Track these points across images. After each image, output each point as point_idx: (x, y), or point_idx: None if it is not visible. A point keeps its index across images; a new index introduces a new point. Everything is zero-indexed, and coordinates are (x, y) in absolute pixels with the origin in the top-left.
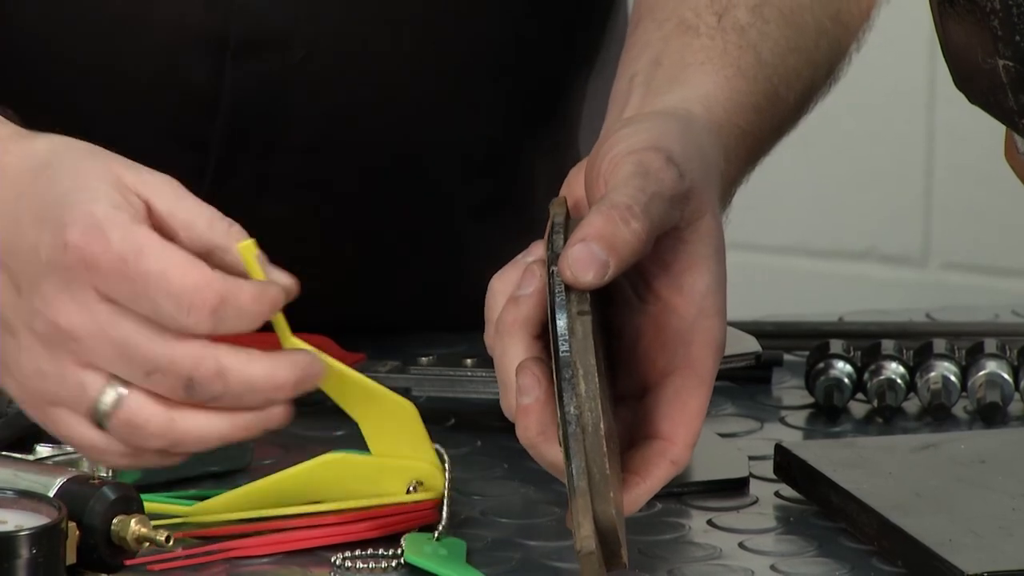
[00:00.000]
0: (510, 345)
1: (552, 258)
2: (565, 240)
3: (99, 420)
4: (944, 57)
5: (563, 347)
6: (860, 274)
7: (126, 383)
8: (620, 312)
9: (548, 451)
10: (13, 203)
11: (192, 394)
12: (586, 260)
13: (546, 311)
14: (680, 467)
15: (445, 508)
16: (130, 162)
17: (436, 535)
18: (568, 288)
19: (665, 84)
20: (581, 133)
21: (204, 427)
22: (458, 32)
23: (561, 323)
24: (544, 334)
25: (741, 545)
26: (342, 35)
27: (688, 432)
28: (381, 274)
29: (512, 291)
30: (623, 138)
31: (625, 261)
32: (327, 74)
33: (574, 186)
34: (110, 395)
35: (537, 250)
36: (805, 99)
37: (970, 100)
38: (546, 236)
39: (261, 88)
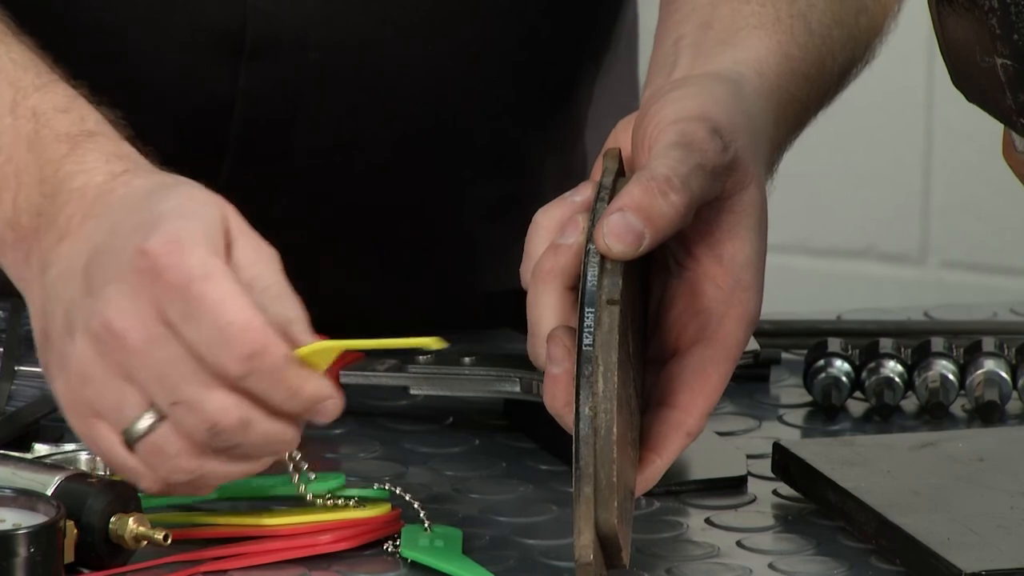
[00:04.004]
0: (543, 293)
1: (592, 231)
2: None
3: (130, 441)
4: (942, 56)
5: (586, 340)
6: (858, 272)
7: (162, 412)
8: (659, 273)
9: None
10: (124, 215)
11: (214, 439)
12: (621, 231)
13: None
14: (694, 438)
15: (421, 513)
16: (242, 219)
17: (427, 525)
18: (602, 271)
19: (716, 46)
20: (587, 132)
21: (229, 470)
22: (469, 32)
23: (588, 313)
24: (578, 286)
25: (739, 543)
26: (356, 36)
27: (706, 404)
28: (389, 273)
29: (555, 232)
30: (671, 102)
31: (662, 233)
32: (341, 75)
33: (621, 139)
34: (145, 419)
35: (585, 190)
36: (846, 73)
37: (968, 99)
38: (593, 194)
39: (276, 90)
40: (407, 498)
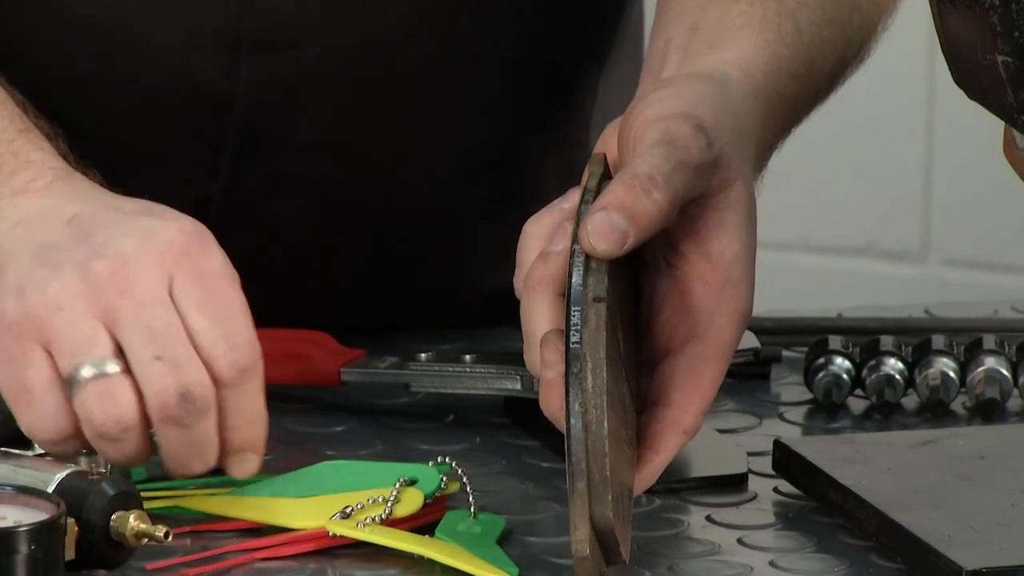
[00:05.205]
0: (535, 301)
1: (576, 231)
2: None
3: (77, 379)
4: (943, 53)
5: (573, 337)
6: (859, 270)
7: (126, 370)
8: (649, 274)
9: None
10: (107, 197)
11: (177, 405)
12: (605, 229)
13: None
14: (691, 436)
15: (470, 495)
16: None
17: (472, 512)
18: (587, 270)
19: (704, 47)
20: (592, 132)
21: (132, 447)
22: (470, 30)
23: (575, 311)
24: None
25: (740, 541)
26: (355, 33)
27: (701, 402)
28: (390, 272)
29: (546, 241)
30: (655, 101)
31: (646, 231)
32: (340, 72)
33: (609, 144)
34: (111, 364)
35: (573, 197)
36: (838, 71)
37: (969, 96)
38: (579, 196)
39: (274, 86)
40: (464, 480)
